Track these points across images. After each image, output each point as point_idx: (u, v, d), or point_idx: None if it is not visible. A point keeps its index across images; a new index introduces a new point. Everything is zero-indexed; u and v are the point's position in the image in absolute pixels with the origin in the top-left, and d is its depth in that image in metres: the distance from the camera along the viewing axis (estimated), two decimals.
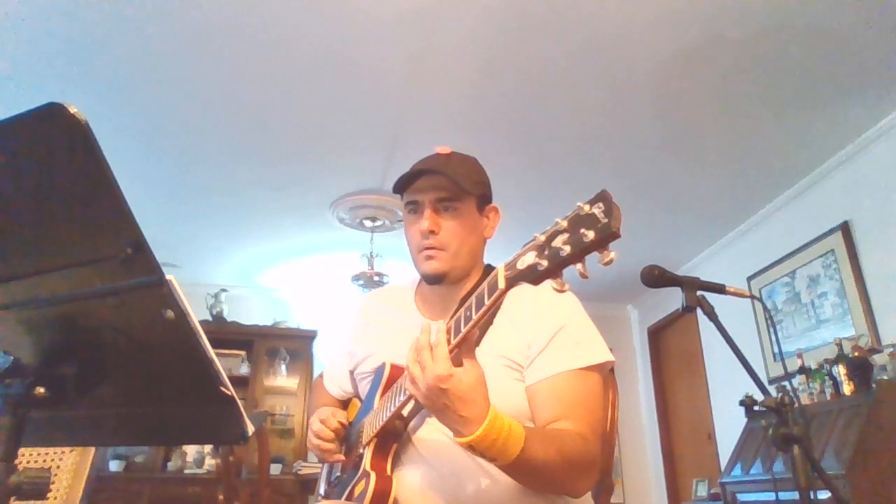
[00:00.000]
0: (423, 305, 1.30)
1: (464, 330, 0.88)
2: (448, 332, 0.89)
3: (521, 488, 1.05)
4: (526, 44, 2.59)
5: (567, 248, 0.73)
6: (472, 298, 0.87)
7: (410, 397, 1.06)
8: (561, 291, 0.77)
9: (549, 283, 0.78)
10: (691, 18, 2.44)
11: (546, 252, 0.76)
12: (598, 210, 0.71)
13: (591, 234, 0.71)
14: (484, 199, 1.25)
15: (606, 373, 1.17)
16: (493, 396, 0.91)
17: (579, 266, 0.74)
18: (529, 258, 0.78)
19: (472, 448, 0.88)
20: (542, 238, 0.77)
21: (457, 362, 0.89)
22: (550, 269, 0.76)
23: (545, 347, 1.10)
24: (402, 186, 1.22)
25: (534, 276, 0.77)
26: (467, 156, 1.27)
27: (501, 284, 0.81)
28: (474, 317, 0.86)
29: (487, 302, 0.84)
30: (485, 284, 0.85)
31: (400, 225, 4.16)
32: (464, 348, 0.89)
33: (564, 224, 0.75)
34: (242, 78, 2.79)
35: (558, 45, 2.60)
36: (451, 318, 0.92)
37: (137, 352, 0.72)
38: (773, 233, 3.98)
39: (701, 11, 2.41)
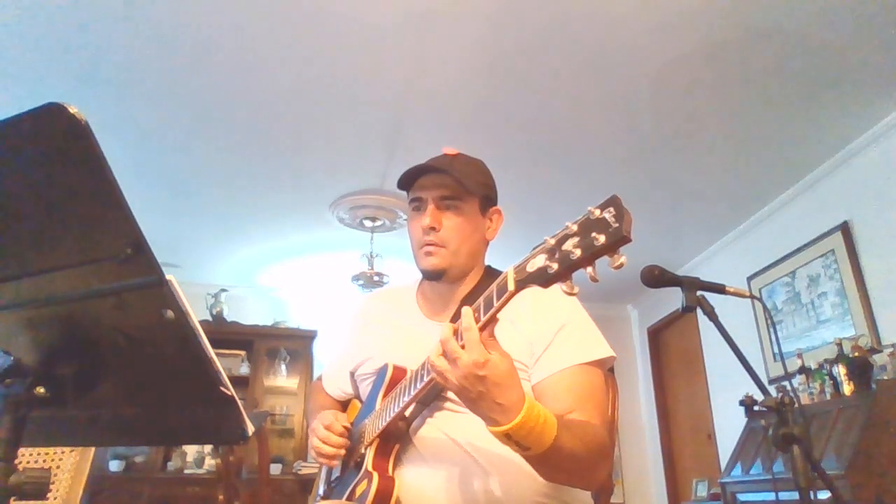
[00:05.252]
0: (424, 304, 1.30)
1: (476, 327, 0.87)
2: (456, 332, 0.88)
3: (522, 486, 1.05)
4: (526, 45, 2.59)
5: (577, 252, 0.74)
6: (481, 300, 0.87)
7: (415, 397, 1.06)
8: (571, 294, 0.77)
9: (557, 286, 0.78)
10: (691, 22, 2.44)
11: (556, 255, 0.76)
12: (608, 214, 0.72)
13: (601, 238, 0.72)
14: (487, 200, 1.26)
15: (606, 371, 1.18)
16: None
17: (589, 269, 0.75)
18: (539, 261, 0.78)
19: (507, 437, 0.85)
20: (552, 241, 0.77)
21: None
22: (560, 272, 0.76)
23: (549, 345, 1.11)
24: (406, 183, 1.23)
25: (544, 278, 0.78)
26: (474, 158, 1.28)
27: (511, 287, 0.81)
28: (483, 318, 0.86)
29: (496, 304, 0.84)
30: (493, 286, 0.85)
31: (400, 225, 4.16)
32: (488, 340, 0.87)
33: (574, 228, 0.75)
34: (242, 78, 2.79)
35: (558, 48, 2.60)
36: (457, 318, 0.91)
37: (137, 352, 0.72)
38: (773, 233, 3.98)
39: (701, 15, 2.41)
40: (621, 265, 0.73)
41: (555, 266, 0.76)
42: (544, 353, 1.11)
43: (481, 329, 0.85)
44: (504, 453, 1.06)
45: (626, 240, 0.71)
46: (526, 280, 0.80)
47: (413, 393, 1.05)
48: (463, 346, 0.85)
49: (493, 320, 0.86)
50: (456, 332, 0.87)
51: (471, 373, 0.84)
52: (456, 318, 0.97)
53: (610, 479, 1.30)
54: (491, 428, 0.87)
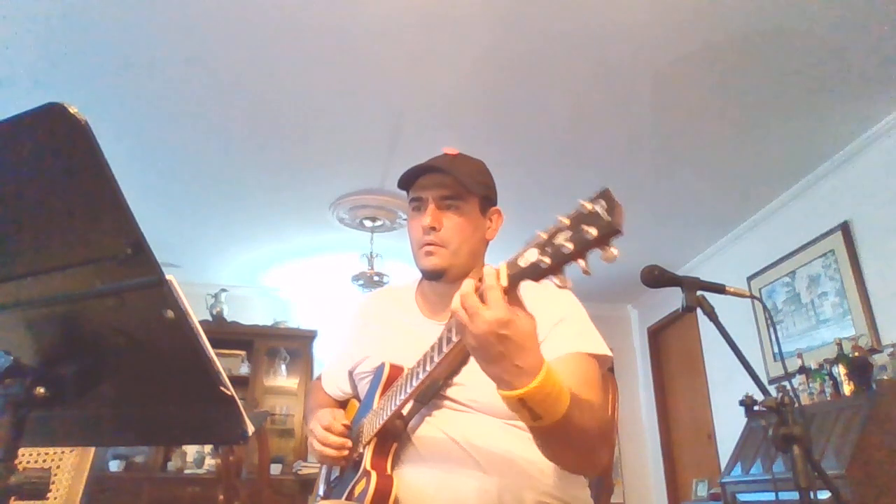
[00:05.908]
0: (424, 304, 1.30)
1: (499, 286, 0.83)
2: (477, 290, 0.84)
3: (522, 486, 1.05)
4: (526, 47, 2.59)
5: (569, 245, 0.73)
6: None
7: (412, 395, 1.06)
8: (563, 288, 0.77)
9: (551, 280, 0.78)
10: (691, 21, 2.44)
11: (548, 249, 0.76)
12: (600, 207, 0.72)
13: (593, 231, 0.71)
14: (487, 200, 1.26)
15: (605, 371, 1.18)
16: None
17: (582, 263, 0.74)
18: (532, 255, 0.78)
19: (521, 402, 0.82)
20: (545, 235, 0.77)
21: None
22: (553, 266, 0.76)
23: (547, 337, 1.09)
24: (406, 182, 1.23)
25: (536, 273, 0.77)
26: (474, 158, 1.28)
27: (504, 282, 0.81)
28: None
29: None
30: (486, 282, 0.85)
31: (400, 225, 4.16)
32: (514, 300, 0.83)
33: (567, 221, 0.75)
34: (242, 77, 2.79)
35: (558, 48, 2.60)
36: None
37: (137, 352, 0.72)
38: (773, 233, 3.98)
39: (700, 14, 2.41)
40: (613, 258, 0.72)
41: (547, 260, 0.76)
42: (542, 344, 1.10)
43: (505, 291, 0.82)
44: (503, 453, 1.06)
45: (617, 232, 0.71)
46: (518, 275, 0.80)
47: (409, 390, 1.05)
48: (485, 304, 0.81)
49: (510, 290, 0.82)
50: (477, 290, 0.83)
51: (493, 331, 0.80)
52: None
53: (610, 478, 1.30)
54: (504, 391, 0.84)
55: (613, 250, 0.72)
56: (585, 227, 0.72)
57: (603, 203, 0.71)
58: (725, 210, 4.05)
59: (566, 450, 0.95)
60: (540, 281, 0.78)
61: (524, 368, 0.82)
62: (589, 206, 0.73)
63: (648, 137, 3.25)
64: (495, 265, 0.85)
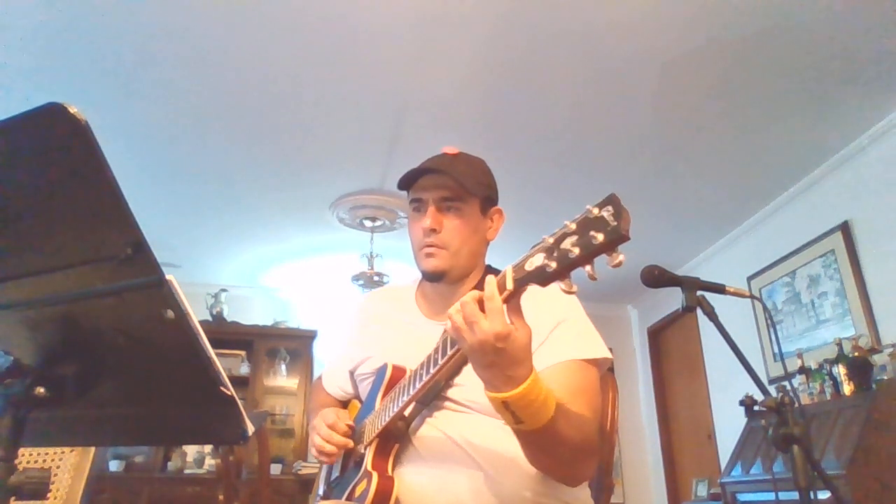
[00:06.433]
0: (424, 304, 1.30)
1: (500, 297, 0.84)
2: (479, 301, 0.85)
3: (522, 486, 1.05)
4: (526, 46, 2.59)
5: (576, 251, 0.74)
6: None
7: (415, 396, 1.06)
8: (569, 293, 0.77)
9: (556, 285, 0.78)
10: (691, 20, 2.44)
11: (555, 254, 0.76)
12: (607, 213, 0.72)
13: (600, 237, 0.72)
14: (488, 200, 1.25)
15: (605, 372, 1.18)
16: None
17: (588, 268, 0.75)
18: (538, 260, 0.78)
19: (505, 405, 0.85)
20: (551, 240, 0.77)
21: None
22: (559, 270, 0.76)
23: (546, 339, 1.10)
24: (406, 184, 1.23)
25: (542, 277, 0.78)
26: (475, 157, 1.27)
27: (510, 285, 0.81)
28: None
29: None
30: (493, 284, 0.84)
31: (400, 225, 4.16)
32: (512, 310, 0.84)
33: (573, 226, 0.75)
34: (243, 77, 2.79)
35: (558, 48, 2.60)
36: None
37: (137, 352, 0.72)
38: (773, 233, 3.98)
39: (701, 13, 2.41)
40: (620, 263, 0.73)
41: (553, 265, 0.76)
42: (540, 347, 1.10)
43: (504, 301, 0.83)
44: (504, 453, 1.06)
45: (624, 238, 0.71)
46: (524, 279, 0.80)
47: (412, 392, 1.05)
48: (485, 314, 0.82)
49: (514, 295, 0.83)
50: (479, 302, 0.84)
51: (490, 342, 0.81)
52: None
53: (610, 478, 1.30)
54: (490, 393, 0.86)
55: (620, 256, 0.73)
56: (592, 233, 0.72)
57: (610, 209, 0.72)
58: (725, 210, 4.05)
59: (546, 456, 0.97)
60: (546, 285, 0.78)
61: (513, 377, 0.84)
62: (595, 211, 0.73)
63: (648, 137, 3.25)
64: (502, 268, 0.85)
